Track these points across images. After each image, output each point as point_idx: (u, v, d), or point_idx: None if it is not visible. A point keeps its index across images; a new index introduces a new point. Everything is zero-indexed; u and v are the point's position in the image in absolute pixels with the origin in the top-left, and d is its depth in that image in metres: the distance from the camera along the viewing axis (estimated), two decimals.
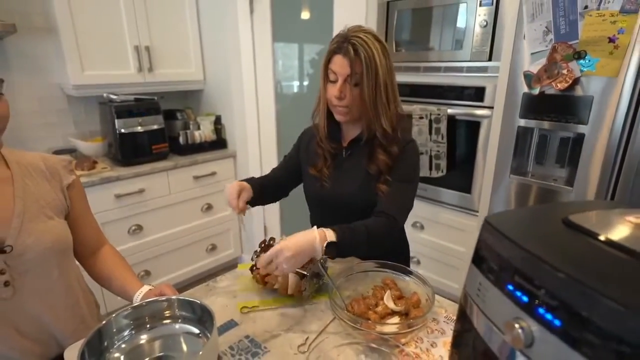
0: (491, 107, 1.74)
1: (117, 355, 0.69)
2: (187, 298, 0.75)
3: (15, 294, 0.74)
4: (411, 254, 1.26)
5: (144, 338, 0.73)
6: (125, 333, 0.72)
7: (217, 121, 2.49)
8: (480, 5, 1.71)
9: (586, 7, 1.31)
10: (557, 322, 0.41)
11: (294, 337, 0.79)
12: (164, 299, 0.75)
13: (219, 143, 2.48)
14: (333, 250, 0.85)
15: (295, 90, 2.52)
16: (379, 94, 0.97)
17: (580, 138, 1.43)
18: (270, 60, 2.27)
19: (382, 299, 0.83)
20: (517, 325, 0.45)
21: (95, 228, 0.95)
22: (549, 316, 0.42)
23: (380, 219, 0.96)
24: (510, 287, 0.47)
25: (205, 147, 2.41)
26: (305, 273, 0.91)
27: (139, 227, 2.08)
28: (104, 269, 0.92)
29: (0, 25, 1.61)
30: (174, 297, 0.75)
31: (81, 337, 0.79)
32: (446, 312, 0.86)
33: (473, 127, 1.83)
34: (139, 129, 2.09)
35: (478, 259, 0.55)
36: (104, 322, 0.69)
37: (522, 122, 1.57)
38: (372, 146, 1.03)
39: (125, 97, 2.10)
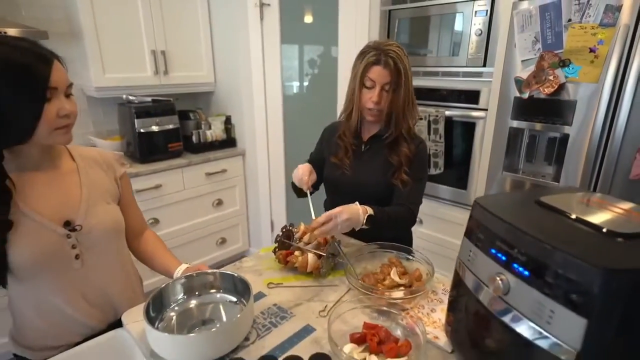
0: (485, 109, 1.88)
1: (172, 314, 0.83)
2: (228, 272, 0.89)
3: (83, 266, 0.87)
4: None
5: (193, 303, 0.87)
6: (179, 297, 0.86)
7: (227, 121, 2.63)
8: (476, 15, 1.85)
9: (570, 20, 1.46)
10: (526, 273, 0.56)
11: (315, 305, 0.93)
12: (210, 272, 0.89)
13: (228, 142, 2.62)
14: (370, 223, 1.04)
15: (300, 90, 2.65)
16: (408, 98, 1.16)
17: (565, 138, 1.58)
18: (278, 64, 2.41)
19: (389, 274, 0.97)
20: (498, 279, 0.59)
21: (139, 214, 1.08)
22: (521, 269, 0.57)
23: (403, 209, 1.14)
24: (493, 251, 0.62)
25: (216, 146, 2.55)
26: (322, 253, 1.05)
27: (156, 221, 2.22)
28: (147, 249, 1.06)
29: (33, 33, 1.74)
30: (217, 271, 0.89)
31: (133, 305, 0.93)
32: (444, 286, 1.00)
33: (469, 127, 1.97)
34: (156, 128, 2.22)
35: (469, 232, 0.70)
36: (163, 285, 0.83)
37: (514, 124, 1.72)
38: (397, 141, 1.20)
39: (142, 98, 2.24)
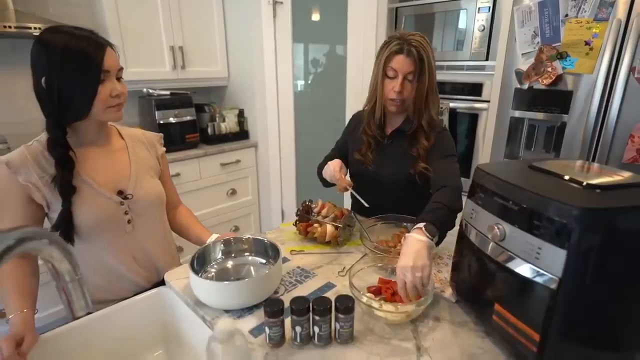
0: (488, 101, 1.99)
1: (212, 271, 0.95)
2: (260, 238, 1.01)
3: (134, 230, 0.99)
4: None
5: (229, 263, 0.99)
6: (218, 257, 0.98)
7: (240, 114, 2.74)
8: (479, 12, 1.96)
9: (567, 15, 1.56)
10: (519, 221, 0.67)
11: (334, 267, 1.05)
12: (245, 237, 1.01)
13: (241, 134, 2.74)
14: (436, 234, 0.89)
15: (309, 85, 2.76)
16: (431, 88, 1.16)
17: (562, 126, 1.68)
18: (289, 60, 2.52)
19: (400, 242, 1.09)
20: (495, 227, 0.71)
21: (174, 190, 1.20)
22: (514, 217, 0.68)
23: (446, 191, 1.04)
24: (492, 205, 0.73)
25: (230, 138, 2.67)
26: (339, 225, 1.16)
27: None
28: (182, 221, 1.19)
29: None
30: (251, 236, 1.01)
31: (173, 268, 1.05)
32: (449, 252, 1.11)
33: (472, 118, 2.08)
34: (174, 120, 2.35)
35: (472, 193, 0.81)
36: (206, 244, 0.95)
37: (515, 114, 1.83)
38: (416, 133, 1.20)
39: (160, 92, 2.36)
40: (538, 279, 0.63)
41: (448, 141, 1.22)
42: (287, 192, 2.81)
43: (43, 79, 0.85)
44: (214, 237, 1.12)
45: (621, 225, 0.58)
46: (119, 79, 0.94)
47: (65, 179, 0.89)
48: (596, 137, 1.59)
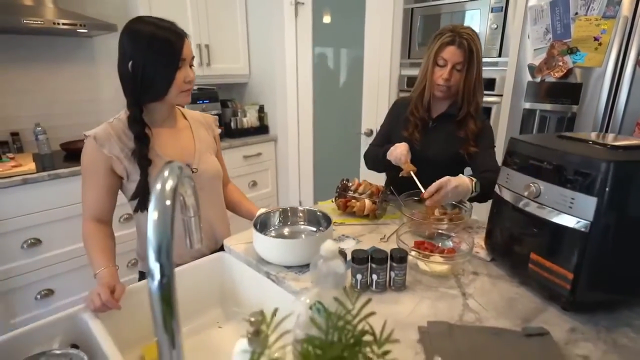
0: (500, 95, 2.11)
1: (271, 234, 1.07)
2: (313, 208, 1.13)
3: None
4: None
5: (286, 230, 1.11)
6: (276, 223, 1.10)
7: (261, 110, 2.87)
8: (492, 11, 2.09)
9: (576, 13, 1.69)
10: (553, 177, 0.79)
11: (375, 235, 1.16)
12: (300, 208, 1.13)
13: (262, 129, 2.86)
14: (478, 188, 1.14)
15: (327, 83, 2.88)
16: (478, 78, 1.28)
17: (572, 116, 1.80)
18: (309, 59, 2.65)
19: (433, 213, 1.20)
20: (532, 185, 0.82)
21: (225, 169, 1.32)
22: (549, 175, 0.79)
23: (492, 175, 1.07)
24: (527, 168, 0.85)
25: (251, 132, 2.79)
26: (376, 200, 1.28)
27: None
28: (233, 197, 1.30)
29: (105, 25, 1.98)
30: (306, 207, 1.13)
31: (229, 236, 1.16)
32: (478, 223, 1.23)
33: (485, 111, 2.19)
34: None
35: (506, 161, 0.93)
36: (266, 211, 1.06)
37: (527, 105, 1.94)
38: (465, 117, 1.32)
39: None
40: (572, 225, 0.75)
41: (491, 133, 1.38)
42: (304, 184, 2.93)
43: (130, 63, 0.97)
44: (262, 210, 1.23)
45: None
46: (191, 66, 1.06)
47: (142, 152, 1.00)
48: (605, 126, 1.71)
